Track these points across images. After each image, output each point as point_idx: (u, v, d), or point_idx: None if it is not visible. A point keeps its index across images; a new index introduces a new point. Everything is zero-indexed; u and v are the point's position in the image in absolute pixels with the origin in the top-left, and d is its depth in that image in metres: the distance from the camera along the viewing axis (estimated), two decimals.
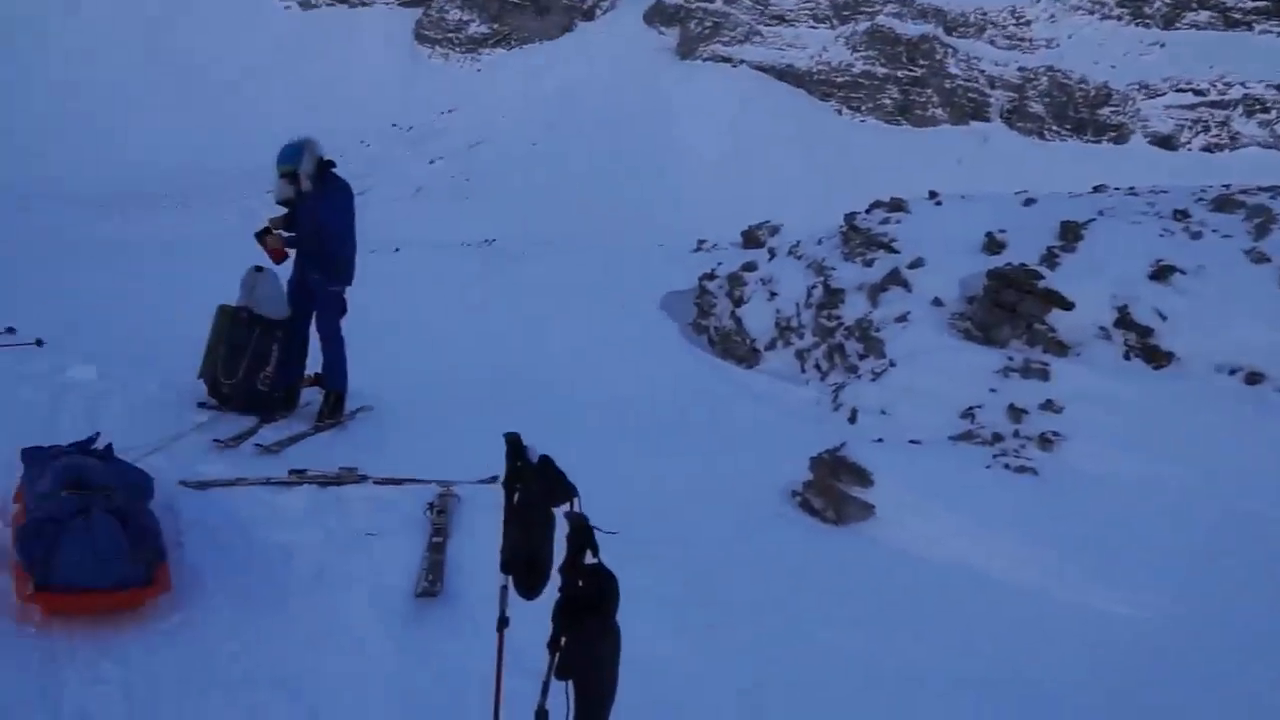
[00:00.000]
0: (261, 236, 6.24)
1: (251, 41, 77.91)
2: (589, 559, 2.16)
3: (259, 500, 4.86)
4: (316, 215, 6.16)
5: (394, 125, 66.44)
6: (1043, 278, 9.44)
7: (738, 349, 12.42)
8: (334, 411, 6.42)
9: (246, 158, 55.17)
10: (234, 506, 4.72)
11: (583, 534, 2.12)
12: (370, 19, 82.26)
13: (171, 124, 65.27)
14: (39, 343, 6.76)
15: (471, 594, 4.13)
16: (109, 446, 4.38)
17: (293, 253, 6.35)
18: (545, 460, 2.47)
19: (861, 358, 10.44)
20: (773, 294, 12.79)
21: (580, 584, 2.16)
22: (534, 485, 2.43)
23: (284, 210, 6.34)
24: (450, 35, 79.64)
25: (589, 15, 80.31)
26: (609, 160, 58.38)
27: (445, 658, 3.66)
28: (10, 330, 6.88)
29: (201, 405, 6.13)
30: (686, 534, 5.68)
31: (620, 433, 7.99)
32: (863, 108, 69.79)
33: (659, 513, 5.77)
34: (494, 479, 5.62)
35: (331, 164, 6.27)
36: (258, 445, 5.59)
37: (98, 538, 3.53)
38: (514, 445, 2.55)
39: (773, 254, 14.82)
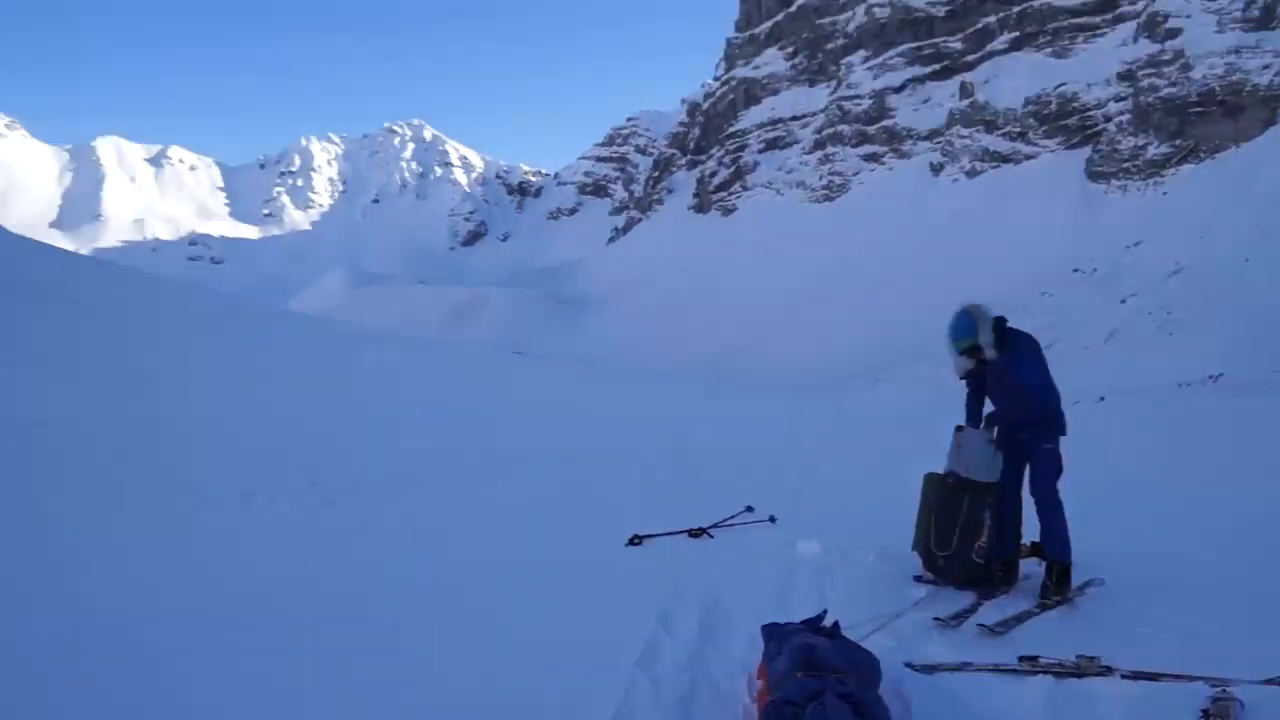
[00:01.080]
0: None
1: (928, 216, 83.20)
2: None
3: (988, 689, 4.38)
4: (1009, 378, 5.79)
5: (1075, 270, 63.65)
6: None
7: None
8: (1059, 586, 5.70)
9: (933, 327, 57.72)
10: (963, 695, 4.31)
11: None
12: (1036, 171, 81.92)
13: (851, 310, 72.07)
14: (772, 519, 7.43)
15: None
16: (836, 624, 4.38)
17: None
18: None
19: None
20: None
21: None
22: None
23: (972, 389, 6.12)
24: (1125, 165, 74.88)
25: None
26: None
27: None
28: (749, 509, 7.68)
29: (917, 579, 5.98)
30: None
31: None
32: None
33: None
34: None
35: (1004, 320, 5.86)
36: (980, 625, 5.16)
37: None
38: None
39: None
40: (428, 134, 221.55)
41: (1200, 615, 5.29)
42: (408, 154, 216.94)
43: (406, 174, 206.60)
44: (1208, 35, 72.46)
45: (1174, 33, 74.87)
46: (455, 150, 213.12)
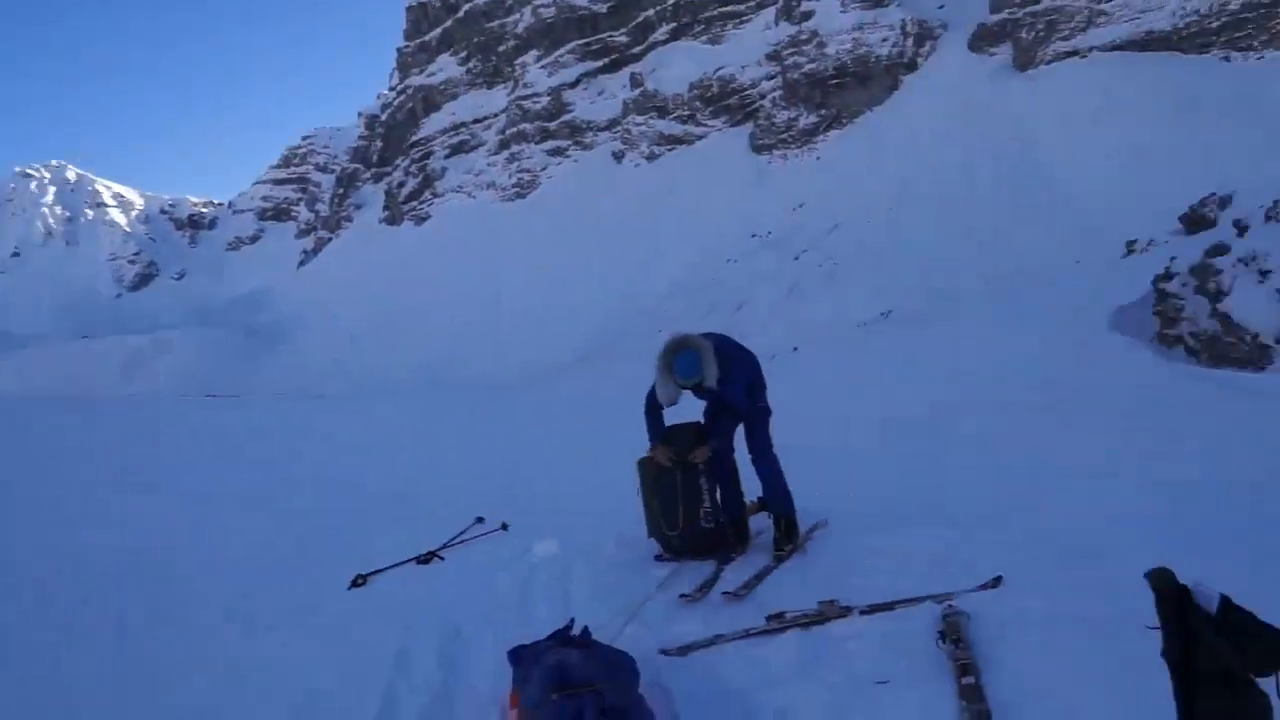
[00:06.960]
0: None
1: (617, 202, 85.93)
2: None
3: (745, 656, 4.28)
4: (723, 399, 5.75)
5: (753, 235, 68.62)
6: None
7: (1234, 351, 9.97)
8: (789, 536, 5.80)
9: (635, 308, 59.99)
10: (721, 668, 4.18)
11: None
12: (707, 149, 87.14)
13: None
14: (504, 527, 7.03)
15: None
16: (586, 630, 4.08)
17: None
18: (1229, 607, 1.51)
19: None
20: (1264, 273, 10.21)
21: None
22: (1225, 651, 1.48)
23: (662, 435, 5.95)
24: (783, 136, 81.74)
25: (911, 67, 78.27)
26: (978, 199, 54.99)
27: None
28: (480, 520, 7.23)
29: (659, 559, 5.85)
30: None
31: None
32: (1255, 43, 59.39)
33: None
34: (996, 581, 4.60)
35: (725, 341, 5.85)
36: (725, 593, 5.09)
37: None
38: (1171, 592, 1.57)
39: (1242, 228, 11.99)
40: (71, 174, 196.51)
41: (915, 538, 5.57)
42: (49, 198, 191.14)
43: (51, 220, 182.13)
44: (835, 15, 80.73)
45: (808, 15, 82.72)
46: (108, 189, 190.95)
